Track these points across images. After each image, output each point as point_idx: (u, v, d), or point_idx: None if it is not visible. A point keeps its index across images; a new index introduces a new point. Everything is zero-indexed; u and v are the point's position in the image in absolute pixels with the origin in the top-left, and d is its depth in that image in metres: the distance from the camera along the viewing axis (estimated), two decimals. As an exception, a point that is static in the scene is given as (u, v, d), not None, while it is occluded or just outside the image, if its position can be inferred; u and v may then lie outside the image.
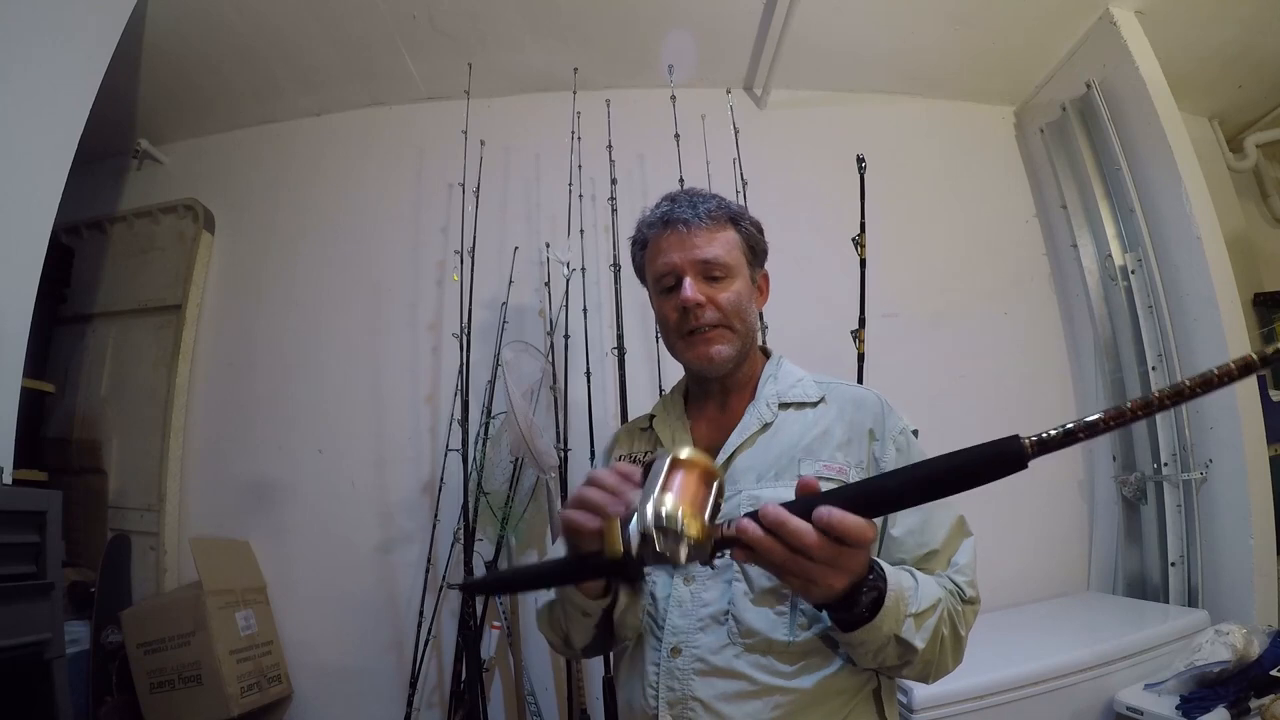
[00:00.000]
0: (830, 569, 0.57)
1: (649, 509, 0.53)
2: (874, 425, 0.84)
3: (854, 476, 0.80)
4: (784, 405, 0.88)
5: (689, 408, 0.96)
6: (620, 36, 2.18)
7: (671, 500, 0.53)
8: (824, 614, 0.72)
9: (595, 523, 0.60)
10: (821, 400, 0.88)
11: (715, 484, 0.57)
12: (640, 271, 0.98)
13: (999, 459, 0.50)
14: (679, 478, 0.56)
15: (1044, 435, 0.48)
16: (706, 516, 0.55)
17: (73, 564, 1.97)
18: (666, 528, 0.52)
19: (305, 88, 2.35)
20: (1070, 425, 0.47)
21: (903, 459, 0.82)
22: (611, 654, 0.90)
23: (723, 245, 0.88)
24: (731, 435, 0.86)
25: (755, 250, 0.93)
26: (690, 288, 0.84)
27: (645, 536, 0.53)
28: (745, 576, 0.77)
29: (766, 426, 0.86)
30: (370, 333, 2.24)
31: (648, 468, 0.59)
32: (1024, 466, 0.50)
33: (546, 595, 0.85)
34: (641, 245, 0.95)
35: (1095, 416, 0.47)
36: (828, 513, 0.54)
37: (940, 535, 0.79)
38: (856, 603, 0.64)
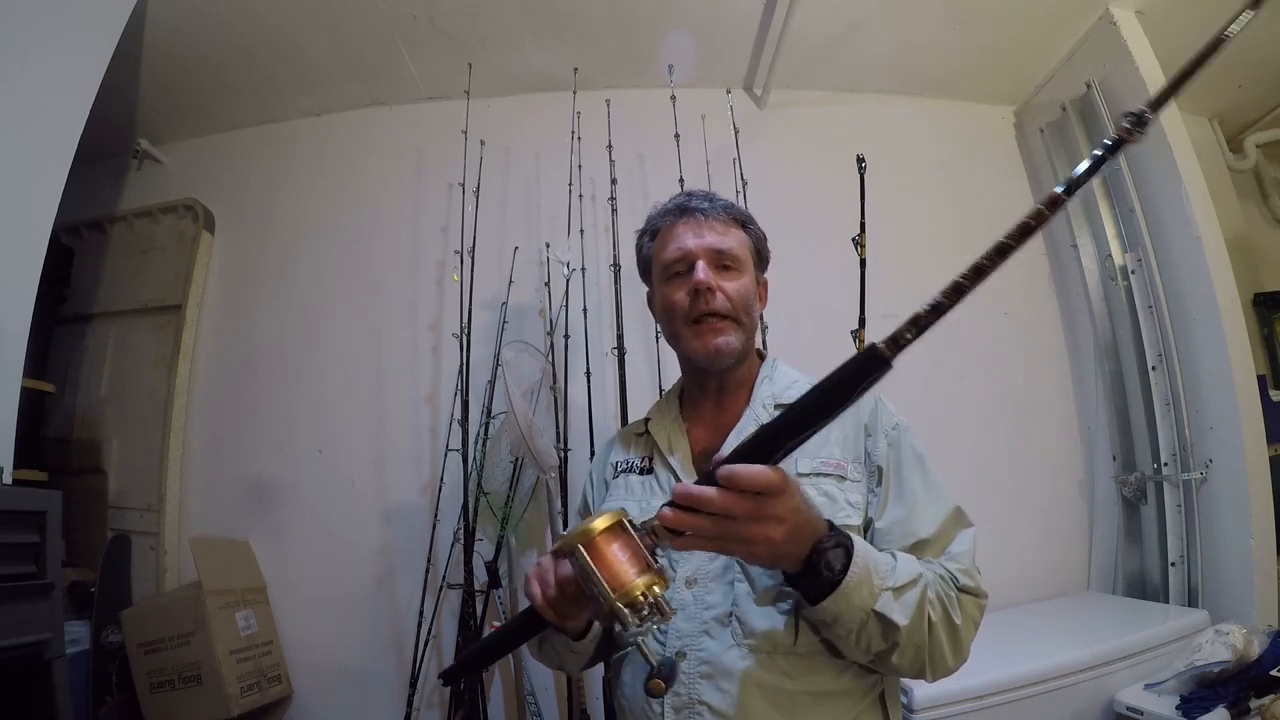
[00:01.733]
0: (757, 523, 0.58)
1: (624, 613, 0.56)
2: (868, 420, 0.85)
3: (851, 472, 0.81)
4: (779, 406, 0.88)
5: (684, 410, 0.96)
6: (620, 36, 2.18)
7: (628, 586, 0.56)
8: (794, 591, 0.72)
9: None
10: None
11: (626, 521, 0.60)
12: (645, 264, 0.98)
13: (865, 367, 0.54)
14: (611, 553, 0.58)
15: (896, 334, 0.53)
16: (646, 555, 0.58)
17: (73, 564, 1.97)
18: (646, 612, 0.56)
19: (305, 88, 2.35)
20: (915, 313, 0.53)
21: (893, 452, 0.83)
22: (613, 662, 0.90)
23: (735, 239, 0.91)
24: (729, 438, 0.86)
25: (760, 254, 0.95)
26: (704, 270, 0.86)
27: (640, 626, 0.56)
28: (747, 577, 0.77)
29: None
30: (370, 333, 2.24)
31: (566, 553, 0.61)
32: (889, 367, 0.53)
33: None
34: (651, 235, 0.96)
35: (936, 297, 0.53)
36: (727, 470, 0.56)
37: (930, 525, 0.78)
38: (825, 564, 0.64)
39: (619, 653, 0.85)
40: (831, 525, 0.67)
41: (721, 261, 0.88)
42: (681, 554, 0.80)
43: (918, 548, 0.77)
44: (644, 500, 0.88)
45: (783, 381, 0.91)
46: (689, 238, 0.89)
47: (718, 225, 0.90)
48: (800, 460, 0.81)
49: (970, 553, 0.77)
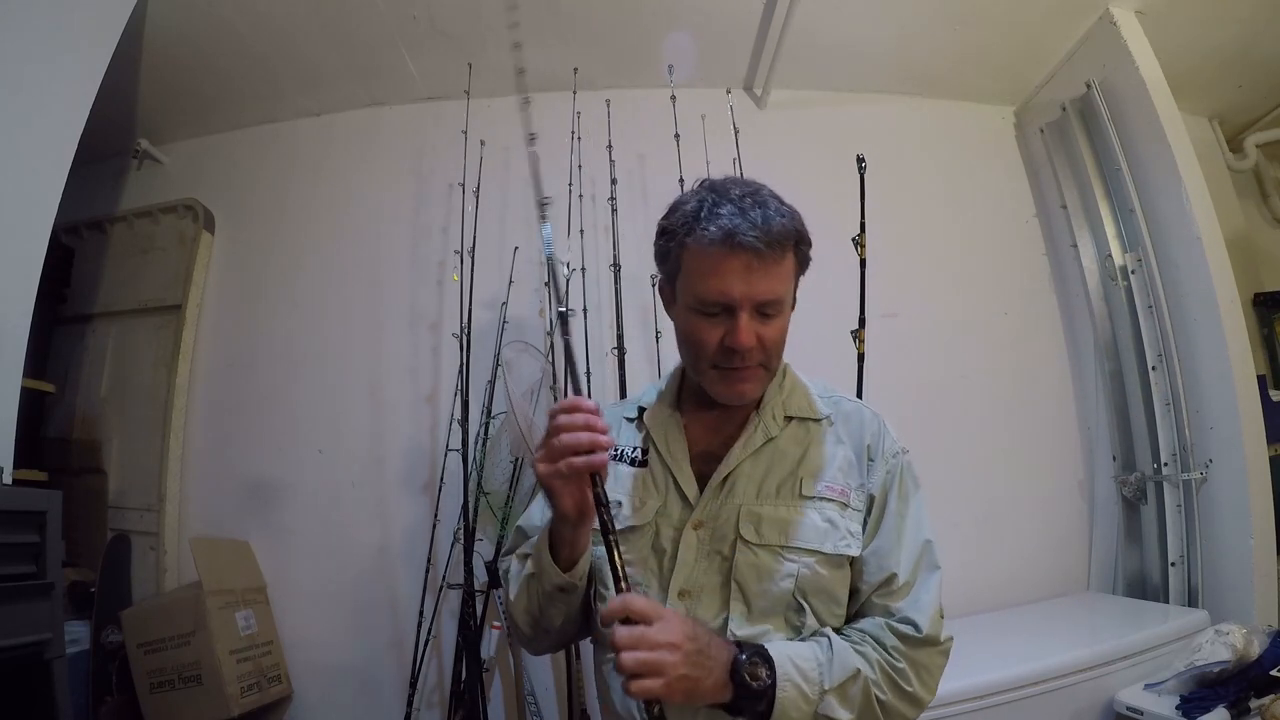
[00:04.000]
0: (653, 650, 0.62)
1: None
2: (871, 443, 0.84)
3: (854, 500, 0.80)
4: (789, 418, 0.86)
5: (682, 402, 0.92)
6: (620, 36, 2.18)
7: None
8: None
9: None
10: (826, 418, 0.86)
11: None
12: (670, 265, 0.84)
13: None
14: None
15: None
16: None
17: (73, 564, 1.97)
18: None
19: (305, 88, 2.35)
20: None
21: (890, 480, 0.82)
22: (600, 666, 0.87)
23: (782, 279, 0.78)
24: (735, 448, 0.83)
25: (802, 268, 0.85)
26: (746, 330, 0.76)
27: None
28: (742, 592, 0.76)
29: (770, 440, 0.84)
30: (370, 333, 2.24)
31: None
32: None
33: (522, 571, 0.83)
34: (682, 242, 0.79)
35: None
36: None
37: (904, 562, 0.78)
38: (750, 676, 0.66)
39: (609, 654, 0.81)
40: (742, 645, 0.69)
41: (764, 310, 0.77)
42: (675, 565, 0.79)
43: (889, 584, 0.77)
44: (636, 496, 0.84)
45: (793, 391, 0.89)
46: (735, 284, 0.75)
47: (769, 267, 0.75)
48: (804, 482, 0.80)
49: (936, 600, 0.77)
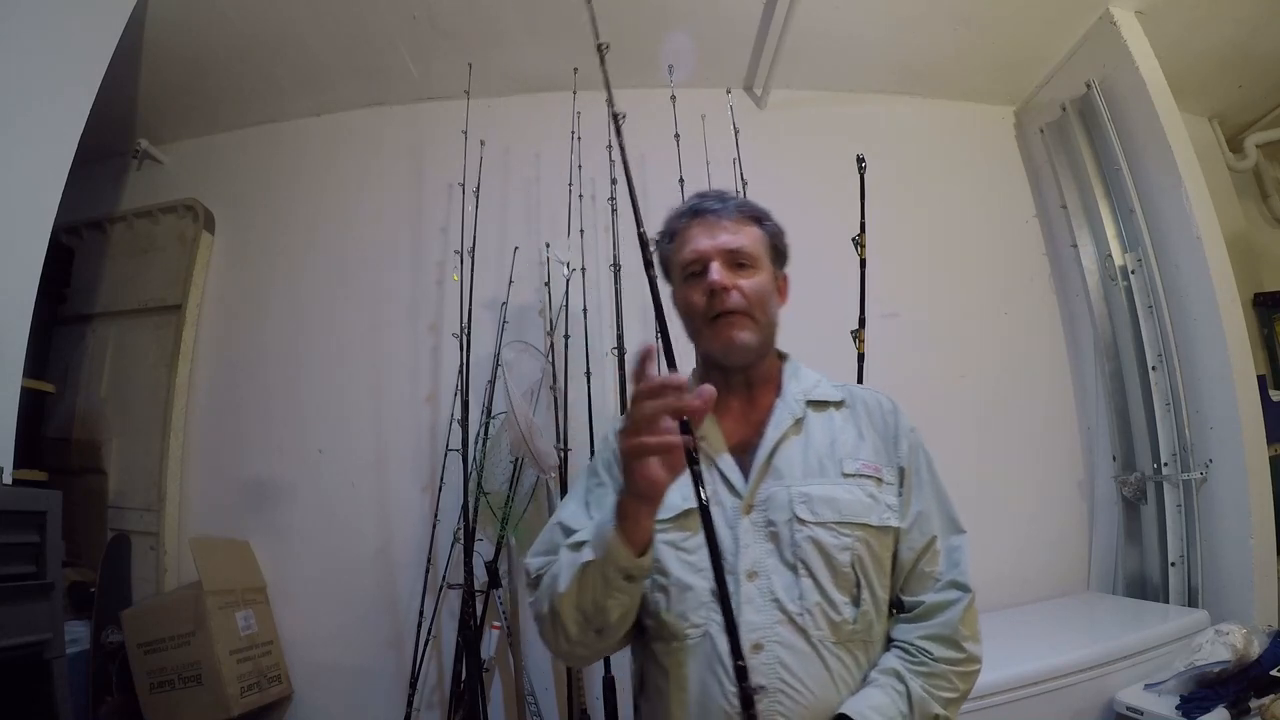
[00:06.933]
0: None
1: None
2: (891, 420, 0.90)
3: (886, 475, 0.85)
4: (810, 403, 0.91)
5: None
6: (620, 36, 2.16)
7: None
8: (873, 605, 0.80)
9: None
10: (843, 402, 0.92)
11: None
12: (665, 265, 0.97)
13: None
14: None
15: None
16: None
17: (73, 564, 1.97)
18: None
19: (305, 87, 2.35)
20: None
21: (913, 454, 0.88)
22: (661, 655, 0.83)
23: (749, 237, 0.91)
24: (768, 430, 0.87)
25: (778, 250, 0.96)
26: (717, 271, 0.86)
27: None
28: (808, 568, 0.79)
29: (799, 422, 0.88)
30: (370, 333, 2.24)
31: None
32: None
33: (578, 558, 0.76)
34: (670, 238, 0.96)
35: None
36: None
37: (940, 526, 0.85)
38: None
39: (675, 643, 0.80)
40: None
41: (736, 260, 0.89)
42: (740, 547, 0.81)
43: (931, 545, 0.83)
44: (679, 492, 0.79)
45: (808, 380, 0.94)
46: (703, 239, 0.90)
47: (729, 224, 0.90)
48: (845, 461, 0.84)
49: (967, 558, 0.85)
